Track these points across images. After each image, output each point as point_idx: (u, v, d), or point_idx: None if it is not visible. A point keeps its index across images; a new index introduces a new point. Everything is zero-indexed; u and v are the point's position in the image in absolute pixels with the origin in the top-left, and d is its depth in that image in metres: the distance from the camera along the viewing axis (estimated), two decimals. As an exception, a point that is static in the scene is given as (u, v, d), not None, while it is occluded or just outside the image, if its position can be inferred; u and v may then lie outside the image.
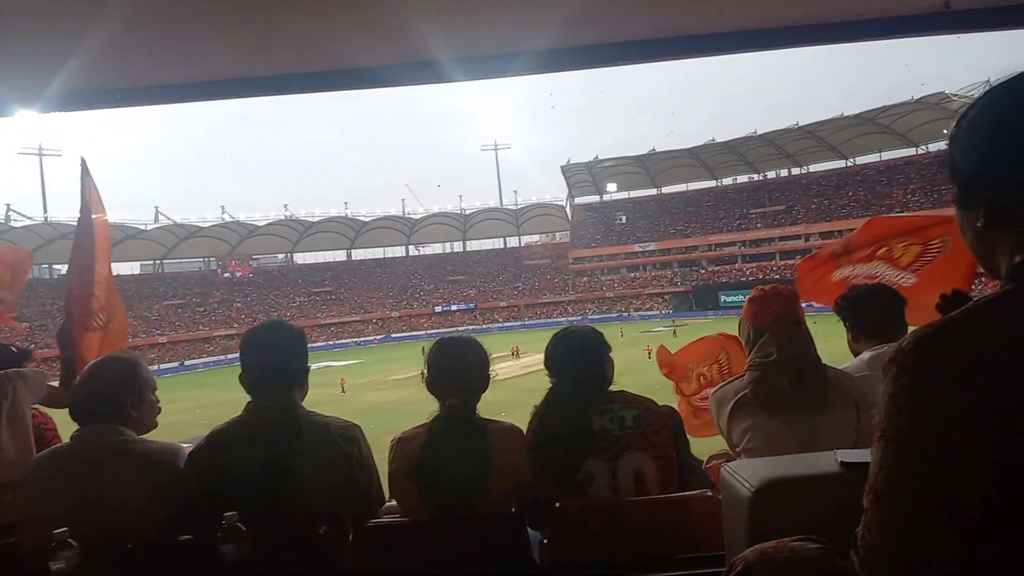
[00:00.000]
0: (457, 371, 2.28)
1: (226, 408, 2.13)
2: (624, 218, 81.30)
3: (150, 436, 2.23)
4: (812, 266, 4.13)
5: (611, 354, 2.39)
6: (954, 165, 0.92)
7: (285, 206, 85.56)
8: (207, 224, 74.65)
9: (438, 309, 73.98)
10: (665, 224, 77.32)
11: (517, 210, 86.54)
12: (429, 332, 65.75)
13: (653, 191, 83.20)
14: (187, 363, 56.76)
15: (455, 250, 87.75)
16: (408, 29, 1.93)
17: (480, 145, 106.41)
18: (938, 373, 0.79)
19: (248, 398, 2.14)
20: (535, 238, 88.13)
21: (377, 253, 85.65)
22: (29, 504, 2.02)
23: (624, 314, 68.04)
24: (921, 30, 2.17)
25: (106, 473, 2.00)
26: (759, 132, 69.87)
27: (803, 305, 2.37)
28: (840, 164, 71.96)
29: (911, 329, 1.49)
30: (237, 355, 2.24)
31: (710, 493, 2.03)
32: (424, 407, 2.30)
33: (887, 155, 68.57)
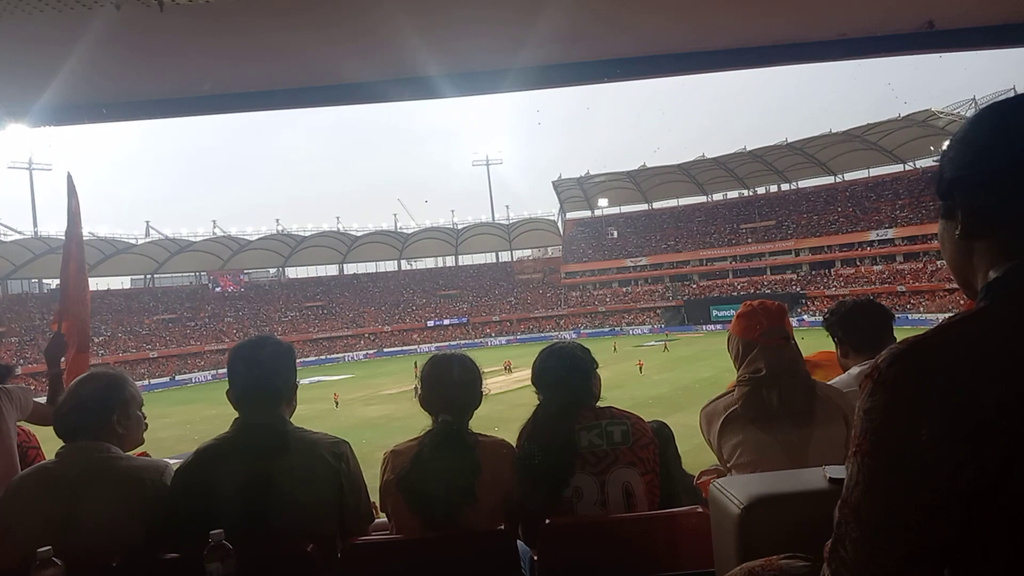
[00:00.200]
0: (450, 388, 2.29)
1: (215, 424, 2.12)
2: (616, 233, 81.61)
3: (137, 452, 2.21)
4: None
5: (604, 368, 2.40)
6: (939, 175, 0.94)
7: (277, 220, 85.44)
8: (198, 238, 74.31)
9: (430, 323, 73.80)
10: (656, 239, 77.67)
11: (509, 224, 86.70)
12: (421, 347, 65.58)
13: (644, 206, 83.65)
14: (177, 378, 56.38)
15: (447, 264, 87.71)
16: (398, 45, 1.94)
17: (472, 160, 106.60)
18: (912, 390, 0.79)
19: (236, 414, 2.13)
20: (527, 252, 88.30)
21: (369, 267, 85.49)
22: (12, 522, 1.98)
23: (616, 328, 68.15)
24: (905, 49, 2.20)
25: (91, 490, 1.97)
26: (748, 148, 70.44)
27: (791, 320, 2.38)
28: (829, 180, 72.61)
29: None
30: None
31: (700, 509, 2.02)
32: (417, 422, 2.31)
33: (875, 171, 69.21)
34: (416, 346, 67.14)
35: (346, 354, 66.46)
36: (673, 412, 17.90)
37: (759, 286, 65.13)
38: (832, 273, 63.37)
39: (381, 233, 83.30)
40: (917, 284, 54.69)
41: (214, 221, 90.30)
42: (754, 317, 2.26)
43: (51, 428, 2.26)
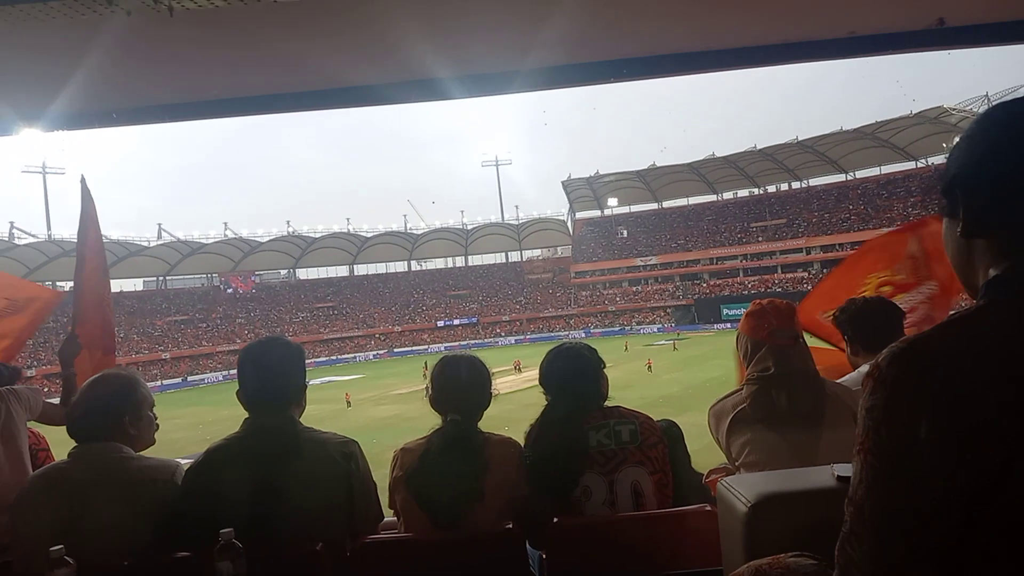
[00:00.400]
0: (459, 389, 2.32)
1: (227, 424, 2.14)
2: (625, 232, 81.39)
3: (148, 453, 2.23)
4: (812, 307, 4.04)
5: (615, 368, 2.40)
6: (944, 173, 0.94)
7: (287, 222, 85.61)
8: (210, 240, 74.74)
9: (440, 323, 73.87)
10: (666, 238, 77.39)
11: (518, 225, 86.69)
12: (432, 347, 65.68)
13: (654, 205, 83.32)
14: (189, 379, 56.77)
15: (457, 265, 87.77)
16: (406, 50, 1.95)
17: (481, 161, 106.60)
18: (911, 389, 0.79)
19: (247, 414, 2.15)
20: (537, 252, 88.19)
21: (379, 268, 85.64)
22: (25, 522, 2.01)
23: (626, 328, 67.96)
24: (916, 46, 2.19)
25: (103, 490, 2.00)
26: (759, 147, 70.08)
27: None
28: (840, 178, 72.06)
29: None
30: (237, 371, 2.24)
31: (708, 508, 2.02)
32: (427, 422, 2.34)
33: (887, 169, 68.66)
34: (426, 346, 67.21)
35: (357, 354, 66.65)
36: (683, 412, 17.83)
37: (770, 285, 64.74)
38: (844, 271, 62.77)
39: (391, 234, 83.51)
40: (930, 282, 54.11)
41: (225, 223, 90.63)
42: (763, 316, 2.26)
43: (62, 429, 2.29)
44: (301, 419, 2.19)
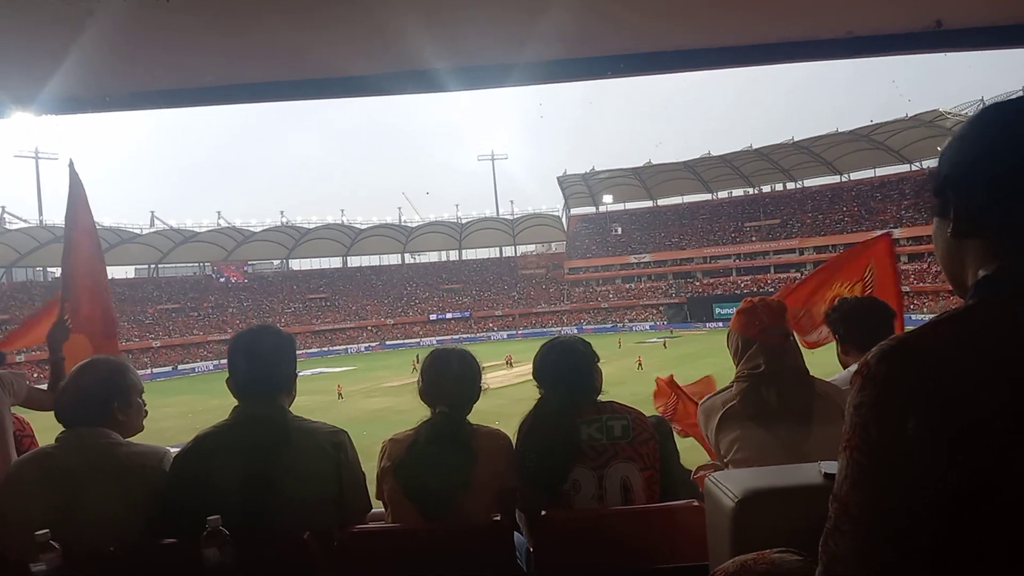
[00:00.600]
0: (449, 382, 2.31)
1: (218, 414, 2.13)
2: (620, 229, 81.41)
3: (137, 439, 2.22)
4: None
5: (608, 364, 2.40)
6: (936, 173, 0.94)
7: (281, 212, 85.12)
8: (203, 229, 74.35)
9: (433, 317, 73.82)
10: (660, 236, 77.48)
11: (513, 220, 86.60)
12: (424, 340, 65.64)
13: (649, 203, 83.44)
14: (180, 367, 56.60)
15: (451, 258, 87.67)
16: (403, 39, 1.94)
17: (477, 155, 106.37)
18: (900, 387, 0.79)
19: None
20: (531, 248, 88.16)
21: (373, 260, 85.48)
22: (12, 508, 1.99)
23: (619, 325, 68.08)
24: (913, 48, 2.19)
25: (91, 476, 1.99)
26: (754, 146, 70.20)
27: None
28: (835, 179, 72.28)
29: None
30: (228, 360, 2.23)
31: (696, 503, 2.03)
32: (418, 415, 2.34)
33: (881, 171, 68.88)
34: (418, 339, 67.16)
35: (348, 346, 66.56)
36: (674, 409, 17.84)
37: (763, 284, 64.91)
38: (836, 273, 62.98)
39: (385, 226, 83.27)
40: (922, 284, 54.40)
41: (219, 212, 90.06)
42: (754, 314, 2.26)
43: (47, 415, 2.27)
44: (291, 408, 2.19)
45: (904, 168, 67.05)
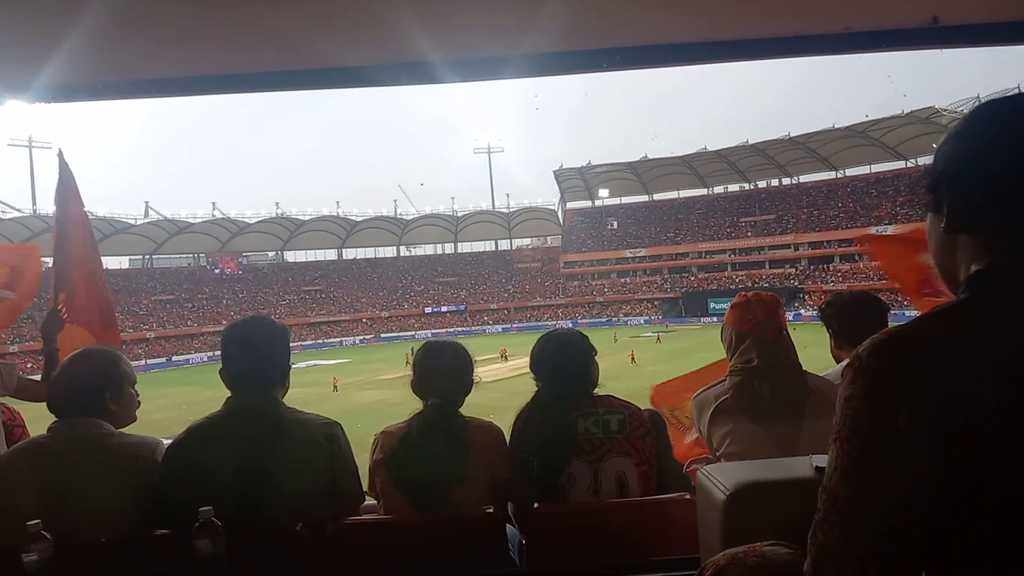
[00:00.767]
0: (441, 374, 2.31)
1: (211, 405, 2.13)
2: (615, 223, 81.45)
3: (130, 430, 2.22)
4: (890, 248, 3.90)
5: (603, 358, 2.41)
6: (931, 168, 0.95)
7: (276, 204, 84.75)
8: (197, 220, 74.04)
9: (428, 310, 73.82)
10: (656, 230, 77.53)
11: (509, 213, 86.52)
12: (419, 333, 65.60)
13: (645, 197, 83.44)
14: (174, 359, 56.44)
15: (446, 251, 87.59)
16: (400, 30, 1.93)
17: (473, 148, 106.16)
18: (891, 380, 0.79)
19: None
20: (527, 241, 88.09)
21: (368, 253, 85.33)
22: (2, 496, 1.98)
23: (614, 319, 68.15)
24: (910, 44, 2.19)
25: (83, 466, 1.98)
26: (751, 142, 70.24)
27: (786, 313, 2.39)
28: (830, 175, 72.40)
29: None
30: (222, 351, 2.22)
31: (688, 496, 2.04)
32: (412, 407, 2.33)
33: (877, 167, 69.02)
34: (413, 332, 67.13)
35: (343, 339, 66.50)
36: (668, 403, 17.91)
37: (758, 279, 65.11)
38: (831, 268, 63.22)
39: (380, 219, 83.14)
40: (915, 281, 54.53)
41: (213, 203, 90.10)
42: (748, 308, 2.27)
43: (38, 406, 2.26)
44: (284, 400, 2.18)
45: (900, 164, 67.21)
